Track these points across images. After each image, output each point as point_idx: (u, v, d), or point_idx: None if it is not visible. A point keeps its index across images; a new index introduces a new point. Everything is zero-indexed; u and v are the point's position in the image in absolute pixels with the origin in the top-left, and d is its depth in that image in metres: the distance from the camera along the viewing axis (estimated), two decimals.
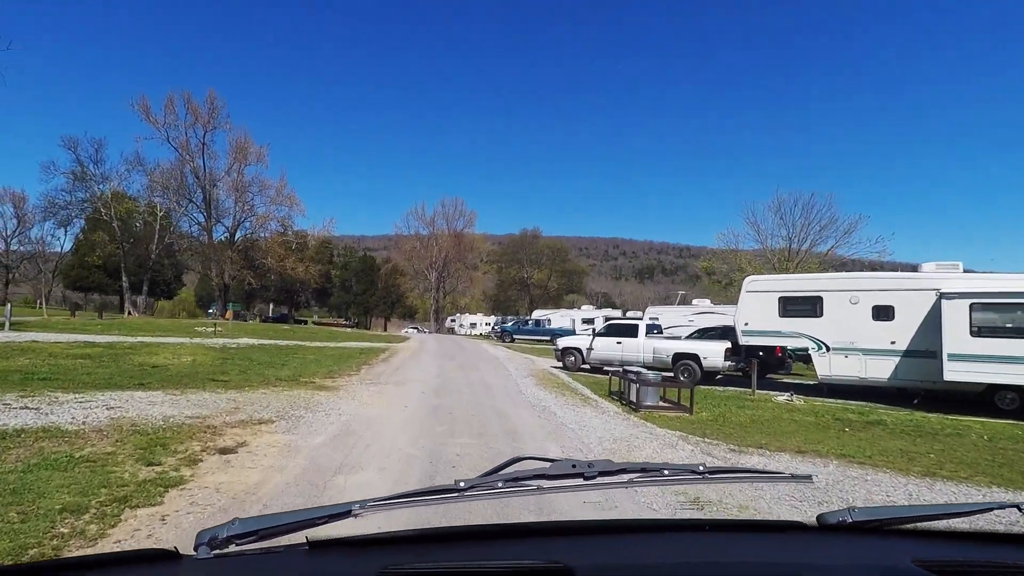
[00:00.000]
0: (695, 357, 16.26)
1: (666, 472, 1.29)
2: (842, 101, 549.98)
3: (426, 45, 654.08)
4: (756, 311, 15.44)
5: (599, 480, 1.20)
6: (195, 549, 1.00)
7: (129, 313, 38.69)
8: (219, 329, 28.29)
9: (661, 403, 11.54)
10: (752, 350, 15.64)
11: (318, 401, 10.16)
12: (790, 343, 15.20)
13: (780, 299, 15.12)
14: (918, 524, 1.32)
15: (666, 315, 30.18)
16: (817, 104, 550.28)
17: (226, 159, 48.80)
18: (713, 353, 16.06)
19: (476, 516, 3.89)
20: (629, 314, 47.02)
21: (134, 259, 41.62)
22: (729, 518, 4.55)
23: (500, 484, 1.18)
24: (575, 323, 46.32)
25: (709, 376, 16.33)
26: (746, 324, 15.59)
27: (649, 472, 1.28)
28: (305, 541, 1.07)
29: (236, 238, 50.75)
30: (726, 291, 47.97)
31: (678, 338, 19.04)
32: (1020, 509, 1.31)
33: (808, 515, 4.61)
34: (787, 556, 1.19)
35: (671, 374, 15.95)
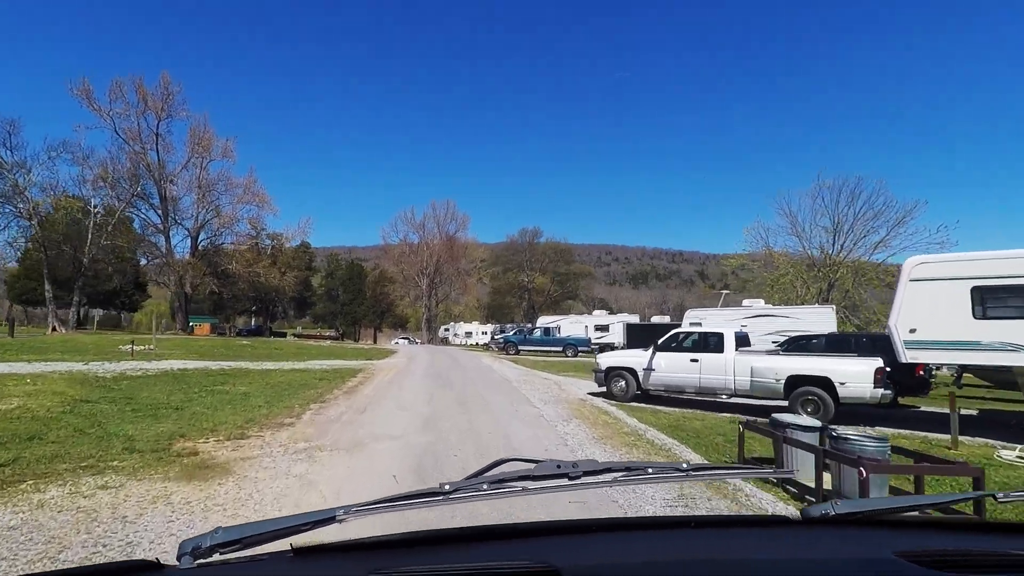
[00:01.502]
0: (826, 383, 10.53)
1: (650, 470, 1.31)
2: (845, 94, 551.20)
3: (415, 50, 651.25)
4: (930, 311, 9.74)
5: (584, 480, 1.20)
6: (178, 559, 0.98)
7: (54, 329, 32.63)
8: (150, 348, 22.26)
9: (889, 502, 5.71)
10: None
11: (131, 536, 4.31)
12: (999, 360, 9.44)
13: (975, 290, 9.45)
14: (899, 515, 1.37)
15: (710, 319, 24.49)
16: (824, 97, 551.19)
17: (185, 151, 42.81)
18: (857, 376, 10.31)
19: (464, 519, 3.78)
20: (626, 319, 41.24)
21: (65, 265, 35.47)
22: (715, 514, 4.45)
23: (485, 486, 1.17)
24: (587, 330, 40.70)
25: (844, 411, 10.65)
26: (912, 331, 9.88)
27: (633, 471, 1.30)
28: (290, 548, 1.05)
29: (200, 241, 44.63)
30: (745, 291, 42.72)
31: (781, 353, 13.18)
32: (995, 498, 1.32)
33: None
34: (773, 551, 1.19)
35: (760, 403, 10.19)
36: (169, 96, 40.32)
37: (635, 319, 40.66)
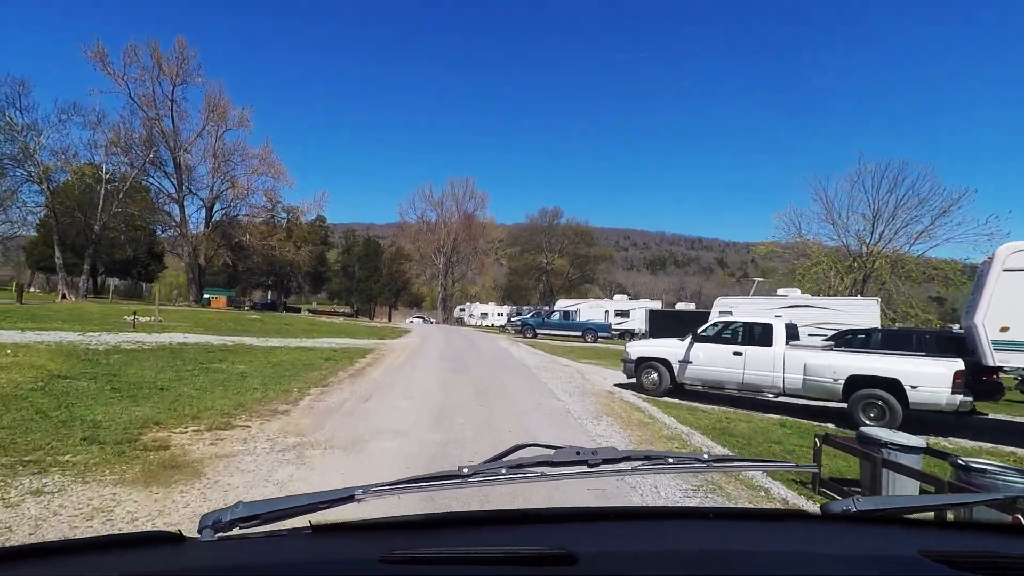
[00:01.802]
0: (894, 385, 9.20)
1: (670, 460, 1.30)
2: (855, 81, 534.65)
3: (437, 27, 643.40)
4: None
5: (603, 467, 1.20)
6: (199, 532, 1.00)
7: (64, 297, 32.18)
8: (155, 320, 21.50)
9: None
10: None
11: None
12: None
13: None
14: (922, 515, 1.32)
15: (742, 307, 23.07)
16: (840, 85, 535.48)
17: (200, 119, 41.87)
18: (932, 379, 8.96)
19: (482, 503, 3.92)
20: (647, 305, 39.84)
21: (77, 232, 34.90)
22: (733, 507, 4.31)
23: (504, 470, 1.18)
24: (607, 315, 39.41)
25: (913, 418, 9.33)
26: (1004, 330, 8.52)
27: (653, 460, 1.29)
28: (309, 525, 1.07)
29: (215, 212, 43.93)
30: (770, 279, 40.89)
31: (836, 348, 11.81)
32: (1022, 499, 1.37)
33: None
34: (792, 545, 1.17)
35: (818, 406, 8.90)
36: (184, 61, 39.37)
37: (657, 305, 39.21)
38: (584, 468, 1.20)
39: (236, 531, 1.01)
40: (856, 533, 1.24)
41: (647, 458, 1.29)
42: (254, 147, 44.54)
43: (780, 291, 23.05)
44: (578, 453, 1.22)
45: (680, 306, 32.93)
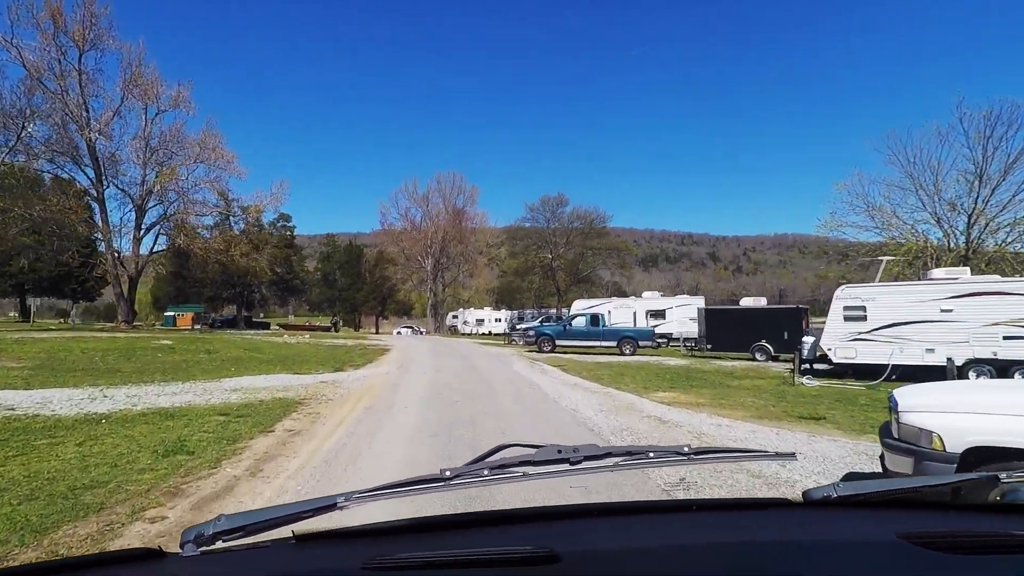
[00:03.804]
0: None
1: (651, 455, 1.28)
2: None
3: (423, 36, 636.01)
4: None
5: (585, 465, 1.19)
6: (181, 547, 0.98)
7: None
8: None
9: None
10: None
11: None
12: None
13: None
14: (902, 497, 1.33)
15: (880, 300, 15.41)
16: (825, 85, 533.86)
17: (119, 94, 33.60)
18: None
19: (467, 505, 3.86)
20: (678, 302, 32.01)
21: None
22: (716, 497, 4.34)
23: (486, 472, 1.17)
24: (635, 317, 31.67)
25: None
26: None
27: (635, 455, 1.28)
28: (292, 535, 1.05)
29: (146, 211, 35.65)
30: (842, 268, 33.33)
31: None
32: (998, 479, 1.32)
33: None
34: (775, 534, 1.18)
35: None
36: (93, 19, 31.06)
37: (700, 302, 31.43)
38: (566, 466, 1.18)
39: (219, 544, 0.97)
40: (837, 518, 1.27)
41: (628, 454, 1.27)
42: (192, 135, 36.29)
43: (938, 272, 15.33)
44: (560, 451, 1.20)
45: (747, 302, 25.19)
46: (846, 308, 15.49)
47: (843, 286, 15.95)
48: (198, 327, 44.69)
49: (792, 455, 1.52)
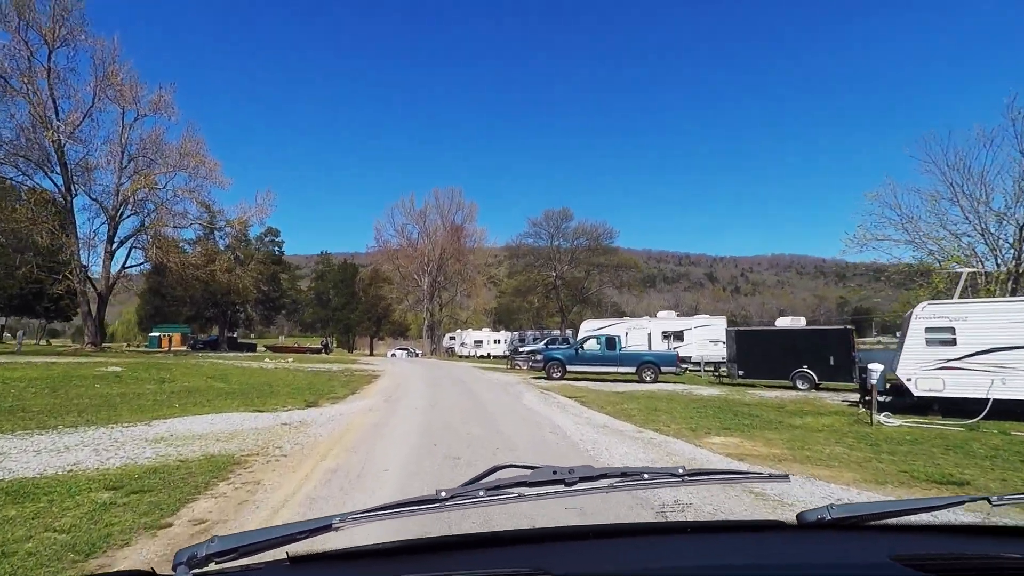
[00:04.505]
0: None
1: (646, 476, 1.26)
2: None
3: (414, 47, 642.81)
4: None
5: (580, 486, 1.18)
6: (174, 569, 0.96)
7: None
8: None
9: None
10: None
11: None
12: None
13: None
14: (895, 520, 1.30)
15: (972, 319, 12.75)
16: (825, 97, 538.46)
17: (91, 93, 31.07)
18: None
19: (461, 526, 3.74)
20: (687, 321, 29.24)
21: None
22: (710, 520, 4.40)
23: (481, 493, 1.15)
24: (649, 338, 28.88)
25: None
26: None
27: (629, 476, 1.26)
28: (286, 556, 1.04)
29: (120, 220, 32.88)
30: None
31: None
32: (990, 501, 1.28)
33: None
34: (769, 556, 1.17)
35: None
36: (65, 13, 28.70)
37: (722, 322, 28.67)
38: (561, 487, 1.17)
39: (212, 566, 0.96)
40: (831, 540, 1.25)
41: (623, 475, 1.24)
42: (171, 143, 33.73)
43: None
44: (555, 472, 1.18)
45: (783, 322, 22.36)
46: (929, 330, 12.75)
47: (924, 303, 13.21)
48: (184, 348, 41.69)
49: (786, 476, 1.48)
